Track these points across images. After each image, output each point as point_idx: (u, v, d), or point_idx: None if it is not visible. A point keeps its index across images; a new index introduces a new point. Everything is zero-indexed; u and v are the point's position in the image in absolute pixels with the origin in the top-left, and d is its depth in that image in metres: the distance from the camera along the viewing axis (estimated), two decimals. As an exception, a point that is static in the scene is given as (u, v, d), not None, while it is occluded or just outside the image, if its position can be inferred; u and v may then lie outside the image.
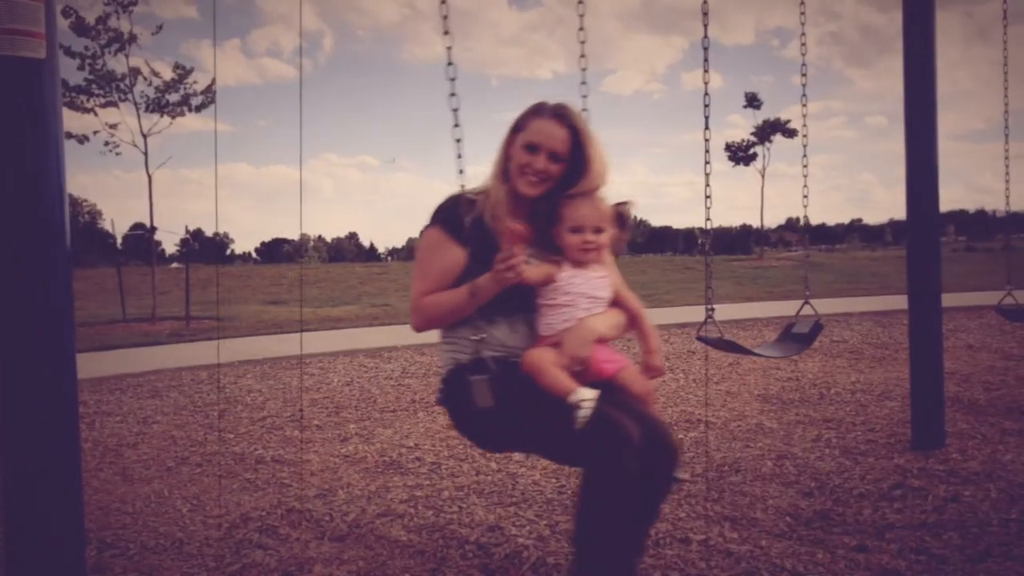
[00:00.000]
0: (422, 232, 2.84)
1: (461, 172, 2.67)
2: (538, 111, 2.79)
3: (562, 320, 2.70)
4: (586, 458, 2.52)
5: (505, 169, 2.80)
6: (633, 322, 2.84)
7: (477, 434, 2.82)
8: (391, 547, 3.62)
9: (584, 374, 2.64)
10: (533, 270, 2.67)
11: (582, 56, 3.10)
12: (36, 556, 2.39)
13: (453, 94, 2.64)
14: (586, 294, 2.73)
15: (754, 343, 4.34)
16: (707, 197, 3.73)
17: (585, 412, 2.44)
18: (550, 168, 2.74)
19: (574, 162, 2.76)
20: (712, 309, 4.02)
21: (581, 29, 3.10)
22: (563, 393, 2.51)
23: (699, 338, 4.20)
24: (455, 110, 2.64)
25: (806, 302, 4.44)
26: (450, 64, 2.65)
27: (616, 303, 2.83)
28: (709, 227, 3.86)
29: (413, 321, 2.81)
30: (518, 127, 2.80)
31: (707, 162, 3.71)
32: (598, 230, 2.73)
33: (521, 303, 2.75)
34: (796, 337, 4.40)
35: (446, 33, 2.64)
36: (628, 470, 2.45)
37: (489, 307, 2.68)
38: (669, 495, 2.86)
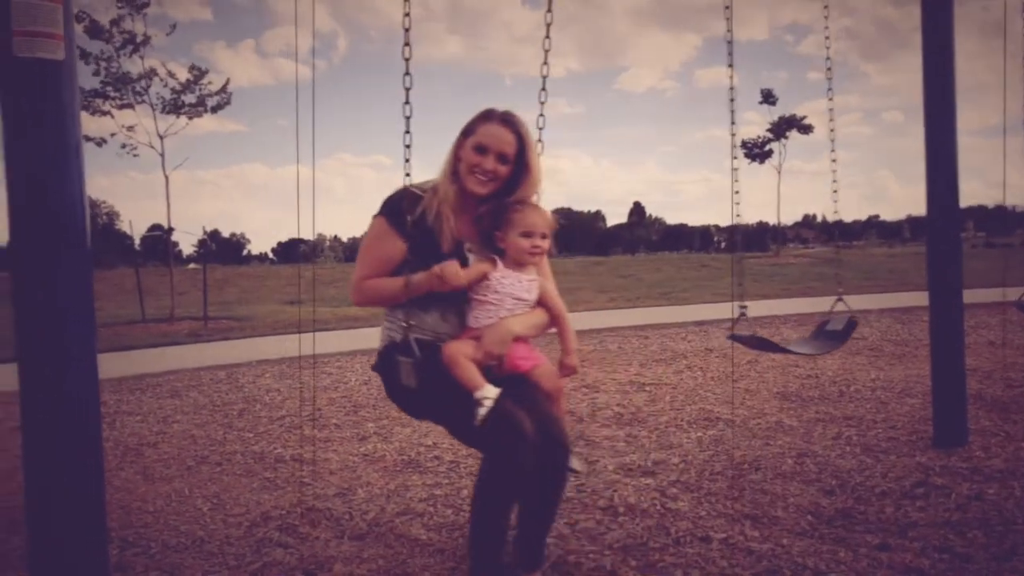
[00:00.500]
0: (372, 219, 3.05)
1: (407, 176, 2.90)
2: (488, 116, 3.00)
3: (487, 316, 2.92)
4: (485, 449, 2.85)
5: (455, 170, 2.99)
6: (555, 323, 3.07)
7: (401, 402, 3.07)
8: (411, 546, 3.62)
9: (501, 367, 2.91)
10: (466, 273, 2.89)
11: (544, 63, 3.29)
12: (59, 555, 2.40)
13: (407, 102, 2.85)
14: (513, 295, 2.94)
15: (781, 341, 4.32)
16: (735, 192, 3.75)
17: (484, 410, 2.71)
18: (498, 169, 2.95)
19: (516, 167, 2.98)
20: (745, 307, 4.01)
21: (547, 37, 3.31)
22: (470, 388, 2.76)
23: (731, 336, 4.18)
24: (407, 117, 2.84)
25: (839, 299, 4.41)
26: (407, 74, 2.84)
27: (542, 304, 3.04)
28: (738, 222, 3.86)
29: (352, 298, 3.05)
30: (468, 131, 3.00)
31: (734, 157, 3.71)
32: (544, 236, 2.97)
33: (455, 295, 2.96)
34: (830, 334, 4.39)
35: (406, 44, 2.85)
36: (523, 465, 2.75)
37: (426, 296, 2.90)
38: (564, 486, 3.06)
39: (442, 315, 2.98)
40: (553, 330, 3.09)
